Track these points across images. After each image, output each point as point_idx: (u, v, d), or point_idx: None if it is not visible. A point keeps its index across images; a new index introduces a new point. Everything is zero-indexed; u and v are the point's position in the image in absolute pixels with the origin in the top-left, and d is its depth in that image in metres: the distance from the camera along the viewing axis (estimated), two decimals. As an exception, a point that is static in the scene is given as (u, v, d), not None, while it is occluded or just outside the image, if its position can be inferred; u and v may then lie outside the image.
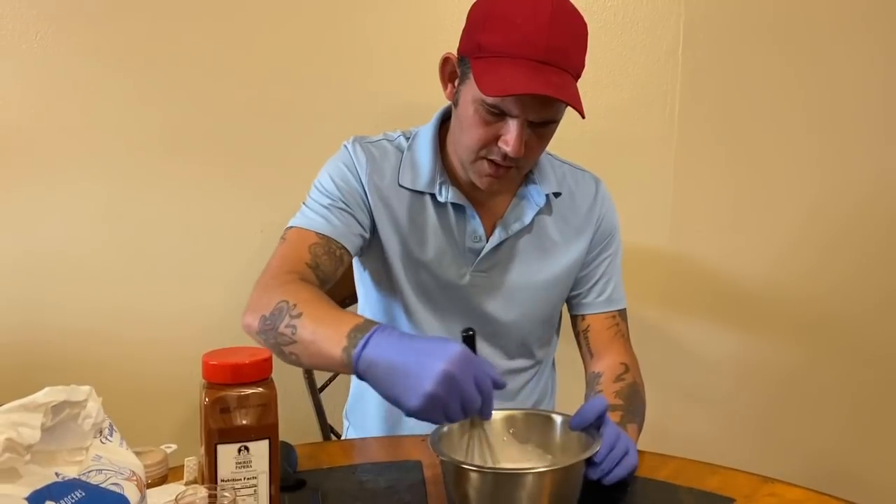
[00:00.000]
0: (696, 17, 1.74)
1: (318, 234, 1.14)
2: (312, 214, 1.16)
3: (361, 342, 0.86)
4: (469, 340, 0.85)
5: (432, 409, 0.81)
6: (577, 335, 1.31)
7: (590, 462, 0.91)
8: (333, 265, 1.14)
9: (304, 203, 1.19)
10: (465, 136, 1.11)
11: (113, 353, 1.63)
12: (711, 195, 1.82)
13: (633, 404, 1.14)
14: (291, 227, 1.16)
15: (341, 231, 1.15)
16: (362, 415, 1.34)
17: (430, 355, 0.81)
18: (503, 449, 0.94)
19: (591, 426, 0.92)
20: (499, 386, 0.85)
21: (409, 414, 0.82)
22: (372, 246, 1.22)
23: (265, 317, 1.00)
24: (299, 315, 0.96)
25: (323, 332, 0.92)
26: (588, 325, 1.29)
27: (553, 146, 1.17)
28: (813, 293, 1.87)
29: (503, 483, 0.83)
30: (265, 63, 1.63)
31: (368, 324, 0.89)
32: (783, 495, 0.96)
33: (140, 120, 1.60)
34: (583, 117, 1.04)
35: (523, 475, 0.84)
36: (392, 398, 0.84)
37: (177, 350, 1.61)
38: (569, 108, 1.07)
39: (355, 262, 1.29)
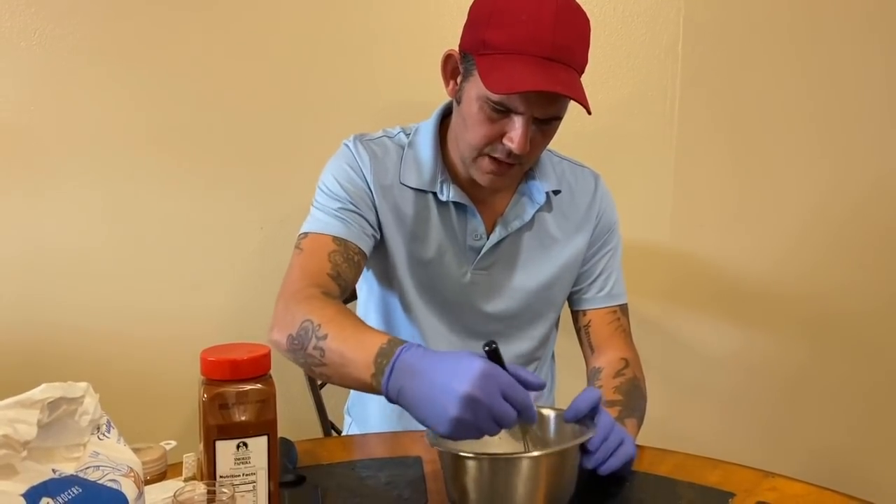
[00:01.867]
0: (696, 12, 1.74)
1: (334, 239, 1.13)
2: (326, 217, 1.15)
3: (387, 370, 0.86)
4: (493, 354, 0.82)
5: (464, 432, 0.80)
6: (577, 331, 1.31)
7: (585, 451, 0.91)
8: (353, 272, 1.14)
9: (312, 206, 1.19)
10: (469, 133, 1.10)
11: (112, 350, 1.63)
12: (712, 191, 1.82)
13: (632, 399, 1.13)
14: (305, 233, 1.15)
15: (357, 233, 1.14)
16: (363, 410, 1.34)
17: (452, 378, 0.79)
18: (497, 445, 0.94)
19: (585, 417, 0.92)
20: (535, 387, 0.83)
21: (444, 437, 0.82)
22: (376, 244, 1.21)
23: (292, 336, 0.99)
24: (325, 336, 0.95)
25: (351, 356, 0.91)
26: (589, 321, 1.29)
27: (553, 142, 1.16)
28: (815, 289, 1.86)
29: (499, 469, 0.84)
30: (265, 60, 1.63)
31: (392, 346, 0.88)
32: (784, 490, 0.96)
33: (140, 118, 1.60)
34: (589, 113, 1.04)
35: (518, 460, 0.84)
36: (424, 423, 0.84)
37: (176, 347, 1.62)
38: (571, 105, 1.07)
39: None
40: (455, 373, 0.79)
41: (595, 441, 0.91)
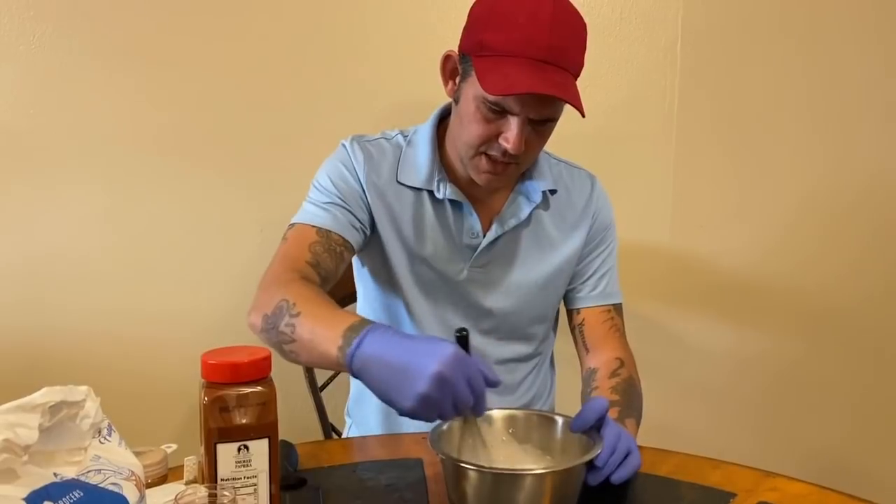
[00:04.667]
0: (695, 13, 1.74)
1: (318, 230, 1.14)
2: (313, 209, 1.17)
3: (356, 341, 0.87)
4: (462, 340, 0.85)
5: (425, 410, 0.82)
6: (572, 329, 1.31)
7: (591, 466, 0.90)
8: (334, 262, 1.14)
9: (305, 201, 1.20)
10: (466, 132, 1.12)
11: (113, 353, 1.63)
12: (712, 191, 1.82)
13: (629, 399, 1.14)
14: (293, 224, 1.17)
15: (342, 225, 1.16)
16: (364, 412, 1.34)
17: (424, 356, 0.81)
18: (500, 448, 0.94)
19: (591, 428, 0.92)
20: (492, 384, 0.85)
21: (403, 413, 0.83)
22: (371, 243, 1.22)
23: (267, 316, 1.01)
24: (298, 314, 0.97)
25: (320, 331, 0.93)
26: (583, 319, 1.29)
27: (552, 143, 1.17)
28: (814, 286, 1.86)
29: (502, 483, 0.83)
30: (263, 61, 1.63)
31: (363, 323, 0.90)
32: (785, 489, 0.96)
33: (139, 120, 1.60)
34: (583, 116, 1.04)
35: (523, 476, 0.84)
36: (385, 398, 0.85)
37: (177, 350, 1.61)
38: (568, 107, 1.07)
39: (354, 260, 1.30)
40: (427, 352, 0.82)
41: (602, 456, 0.90)
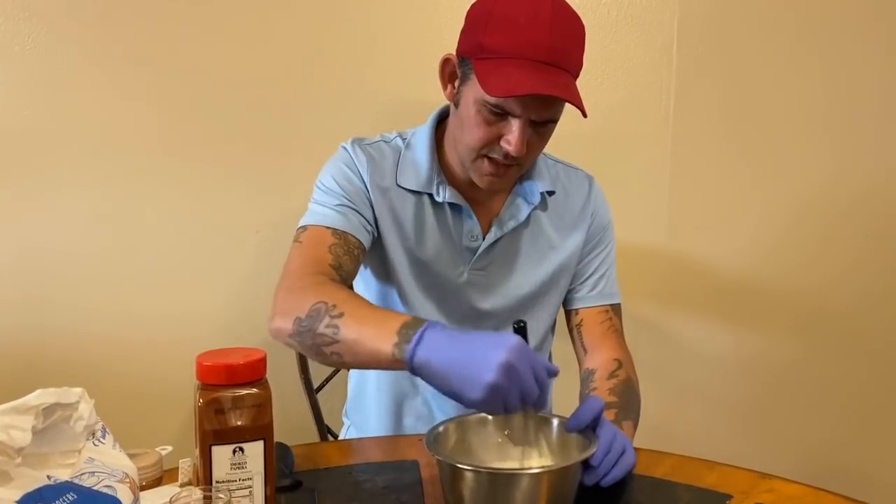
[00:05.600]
0: (691, 14, 1.74)
1: (333, 231, 1.13)
2: (325, 210, 1.16)
3: (415, 338, 0.86)
4: (521, 332, 0.86)
5: (494, 400, 0.81)
6: (570, 330, 1.31)
7: (586, 466, 0.90)
8: (353, 264, 1.14)
9: (310, 203, 1.19)
10: (467, 135, 1.11)
11: (108, 354, 1.62)
12: (708, 192, 1.82)
13: (627, 401, 1.14)
14: (304, 226, 1.16)
15: (356, 226, 1.15)
16: (362, 414, 1.34)
17: (490, 347, 0.82)
18: (496, 449, 0.94)
19: (587, 427, 0.92)
20: (553, 374, 0.86)
21: (470, 405, 0.83)
22: (374, 244, 1.22)
23: (300, 319, 0.98)
24: (340, 315, 0.95)
25: (369, 330, 0.91)
26: (581, 320, 1.29)
27: (550, 145, 1.17)
28: (809, 288, 1.87)
29: (498, 484, 0.83)
30: (261, 63, 1.63)
31: (417, 321, 0.89)
32: (781, 491, 0.96)
33: (135, 121, 1.60)
34: (585, 116, 1.04)
35: (519, 476, 0.84)
36: (451, 391, 0.84)
37: (173, 351, 1.61)
38: (566, 107, 1.07)
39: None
40: (493, 343, 0.82)
41: (597, 456, 0.90)
